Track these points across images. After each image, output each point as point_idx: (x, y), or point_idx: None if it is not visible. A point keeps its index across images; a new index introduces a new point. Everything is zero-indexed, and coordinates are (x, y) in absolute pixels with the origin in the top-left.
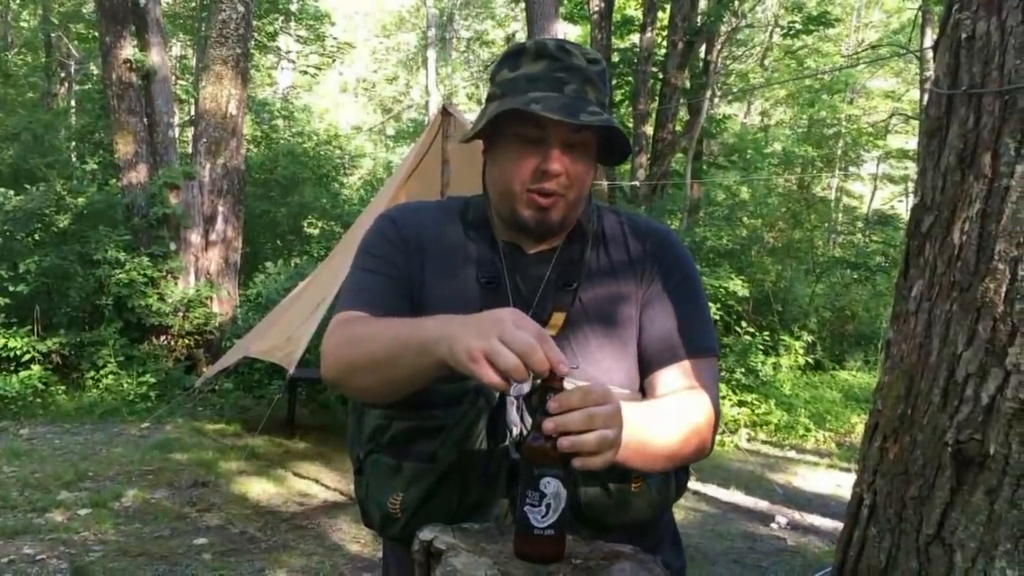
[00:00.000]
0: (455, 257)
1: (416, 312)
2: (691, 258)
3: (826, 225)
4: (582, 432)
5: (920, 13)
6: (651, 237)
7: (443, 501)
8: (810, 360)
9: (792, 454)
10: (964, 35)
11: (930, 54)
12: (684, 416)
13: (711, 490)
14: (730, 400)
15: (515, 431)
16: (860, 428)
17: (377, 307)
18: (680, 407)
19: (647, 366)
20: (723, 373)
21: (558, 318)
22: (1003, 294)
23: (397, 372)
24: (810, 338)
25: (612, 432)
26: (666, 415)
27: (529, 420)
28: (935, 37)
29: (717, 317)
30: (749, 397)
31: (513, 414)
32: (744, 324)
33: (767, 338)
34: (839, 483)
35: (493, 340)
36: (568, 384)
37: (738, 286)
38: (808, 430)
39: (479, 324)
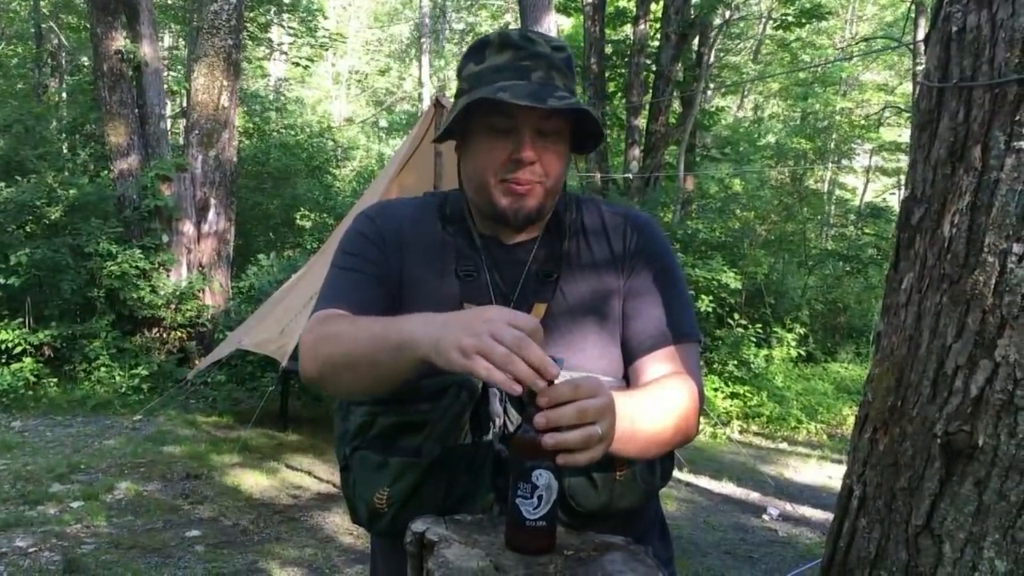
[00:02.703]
0: (434, 252)
1: (397, 308)
2: (670, 245)
3: (819, 218)
4: (573, 427)
5: (913, 6)
6: (631, 226)
7: (430, 495)
8: (802, 352)
9: (784, 446)
10: (955, 28)
11: (922, 47)
12: (672, 403)
13: (703, 482)
14: (722, 392)
15: (498, 422)
16: (851, 420)
17: (355, 305)
18: (667, 394)
19: (631, 354)
20: (715, 365)
21: (539, 309)
22: (992, 286)
23: (375, 370)
24: (802, 330)
25: (601, 427)
26: (655, 402)
27: (512, 412)
28: (927, 30)
29: (710, 310)
30: (741, 389)
31: (496, 406)
32: (736, 316)
33: (759, 330)
34: (830, 474)
35: (485, 337)
36: (560, 376)
37: (731, 278)
38: (800, 422)
39: (470, 322)
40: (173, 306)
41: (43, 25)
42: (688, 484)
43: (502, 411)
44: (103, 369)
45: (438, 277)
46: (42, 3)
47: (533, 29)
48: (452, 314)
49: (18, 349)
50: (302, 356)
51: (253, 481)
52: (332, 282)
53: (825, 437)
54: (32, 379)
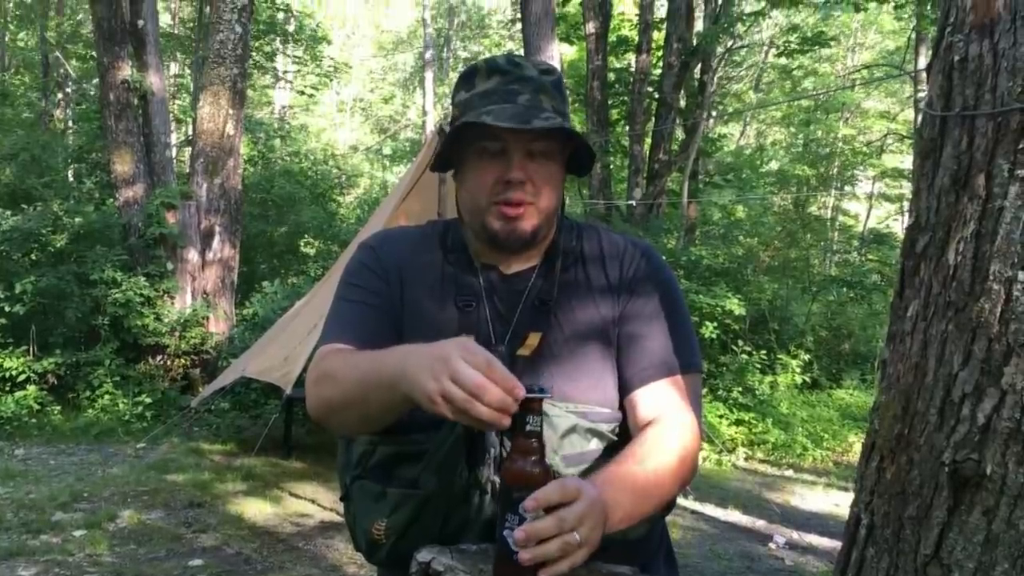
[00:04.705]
0: (434, 283)
1: (400, 339)
2: (671, 273)
3: (822, 244)
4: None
5: (914, 34)
6: (629, 253)
7: (426, 526)
8: (807, 379)
9: (790, 473)
10: (957, 57)
11: (924, 75)
12: (673, 454)
13: (709, 509)
14: (727, 419)
15: (493, 452)
16: (857, 447)
17: (359, 338)
18: (668, 445)
19: (628, 385)
20: (720, 392)
21: (534, 339)
22: (998, 314)
23: (369, 408)
24: (807, 357)
25: (580, 533)
26: (656, 461)
27: (508, 442)
28: (929, 58)
29: (714, 336)
30: (746, 416)
31: (492, 437)
32: (741, 343)
33: (764, 357)
34: (837, 502)
35: (445, 381)
36: (547, 405)
37: (735, 305)
38: (806, 449)
39: (431, 363)
40: (177, 333)
41: (49, 54)
42: (694, 512)
43: (498, 442)
44: (107, 397)
45: (438, 307)
46: (48, 33)
47: (533, 56)
48: (416, 351)
49: (22, 377)
50: (306, 397)
51: (256, 509)
52: (336, 314)
53: (831, 464)
54: (36, 407)
